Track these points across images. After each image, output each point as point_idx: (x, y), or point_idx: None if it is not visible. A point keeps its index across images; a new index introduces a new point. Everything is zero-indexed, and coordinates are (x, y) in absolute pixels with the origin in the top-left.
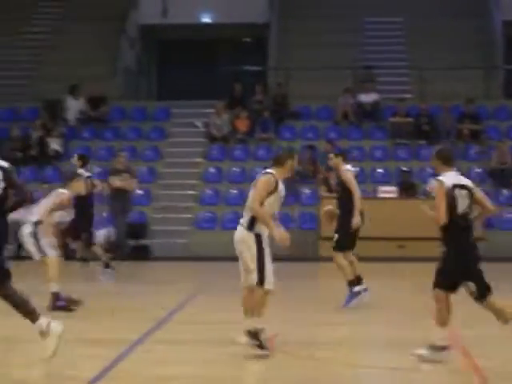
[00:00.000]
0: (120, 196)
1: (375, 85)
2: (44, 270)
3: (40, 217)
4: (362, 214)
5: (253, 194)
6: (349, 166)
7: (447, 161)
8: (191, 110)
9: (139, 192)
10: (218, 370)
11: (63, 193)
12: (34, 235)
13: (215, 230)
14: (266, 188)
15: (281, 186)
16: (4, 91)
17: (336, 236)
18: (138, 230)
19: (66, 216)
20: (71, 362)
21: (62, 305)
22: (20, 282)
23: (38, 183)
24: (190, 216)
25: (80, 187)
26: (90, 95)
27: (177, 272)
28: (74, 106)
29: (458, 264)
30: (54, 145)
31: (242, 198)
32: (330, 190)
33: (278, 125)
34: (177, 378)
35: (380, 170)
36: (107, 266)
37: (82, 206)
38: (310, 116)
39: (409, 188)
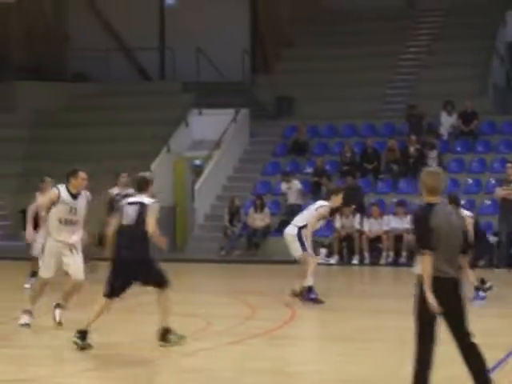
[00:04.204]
0: (506, 205)
1: None
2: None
3: (306, 223)
4: None
5: None
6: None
7: None
8: None
9: None
10: None
11: (325, 205)
12: (299, 237)
13: None
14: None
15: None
16: (383, 108)
17: None
18: None
19: None
20: None
21: (313, 297)
22: None
23: (414, 195)
24: None
25: (339, 201)
26: (462, 110)
27: None
28: (448, 122)
29: None
30: (430, 158)
31: None
32: None
33: None
34: None
35: None
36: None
37: None
38: None
39: None
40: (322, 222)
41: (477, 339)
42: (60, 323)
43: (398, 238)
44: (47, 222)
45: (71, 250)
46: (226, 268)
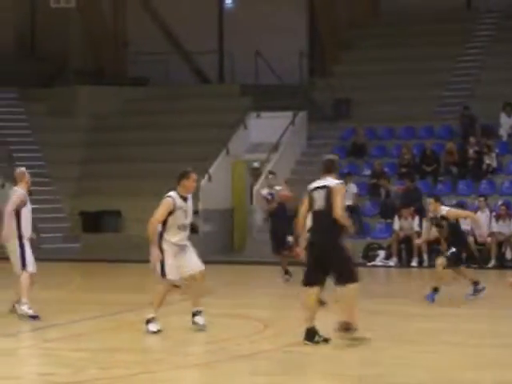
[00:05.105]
0: None
1: None
2: None
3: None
4: None
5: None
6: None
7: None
8: None
9: None
10: None
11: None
12: None
13: None
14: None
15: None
16: (442, 110)
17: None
18: None
19: None
20: None
21: None
22: None
23: (474, 196)
24: None
25: None
26: None
27: None
28: (507, 123)
29: None
30: (489, 160)
31: None
32: None
33: None
34: None
35: None
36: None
37: None
38: None
39: None
40: None
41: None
42: (204, 326)
43: None
44: (161, 229)
45: (184, 250)
46: None
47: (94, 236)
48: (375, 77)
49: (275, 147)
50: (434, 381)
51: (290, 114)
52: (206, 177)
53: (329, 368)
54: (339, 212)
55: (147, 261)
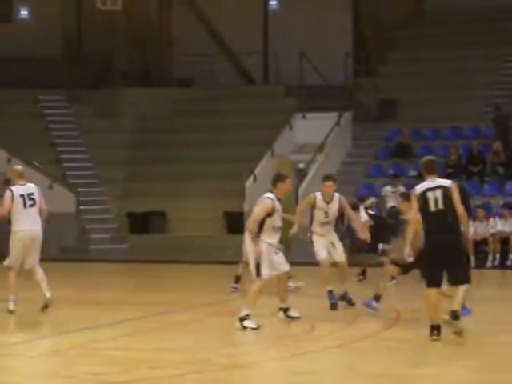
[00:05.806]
0: None
1: None
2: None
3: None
4: None
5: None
6: None
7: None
8: None
9: None
10: None
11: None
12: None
13: None
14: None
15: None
16: (489, 110)
17: None
18: None
19: None
20: None
21: (334, 302)
22: None
23: None
24: None
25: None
26: None
27: None
28: None
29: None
30: None
31: None
32: None
33: None
34: None
35: None
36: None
37: None
38: None
39: None
40: (320, 212)
41: None
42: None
43: (505, 240)
44: (257, 230)
45: (276, 252)
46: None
47: (141, 237)
48: (420, 77)
49: (320, 148)
50: (482, 382)
51: (335, 114)
52: (252, 177)
53: (374, 369)
54: (462, 210)
55: (193, 261)
